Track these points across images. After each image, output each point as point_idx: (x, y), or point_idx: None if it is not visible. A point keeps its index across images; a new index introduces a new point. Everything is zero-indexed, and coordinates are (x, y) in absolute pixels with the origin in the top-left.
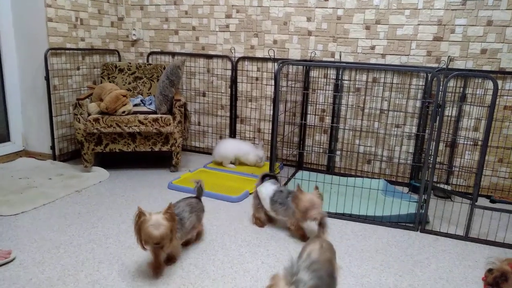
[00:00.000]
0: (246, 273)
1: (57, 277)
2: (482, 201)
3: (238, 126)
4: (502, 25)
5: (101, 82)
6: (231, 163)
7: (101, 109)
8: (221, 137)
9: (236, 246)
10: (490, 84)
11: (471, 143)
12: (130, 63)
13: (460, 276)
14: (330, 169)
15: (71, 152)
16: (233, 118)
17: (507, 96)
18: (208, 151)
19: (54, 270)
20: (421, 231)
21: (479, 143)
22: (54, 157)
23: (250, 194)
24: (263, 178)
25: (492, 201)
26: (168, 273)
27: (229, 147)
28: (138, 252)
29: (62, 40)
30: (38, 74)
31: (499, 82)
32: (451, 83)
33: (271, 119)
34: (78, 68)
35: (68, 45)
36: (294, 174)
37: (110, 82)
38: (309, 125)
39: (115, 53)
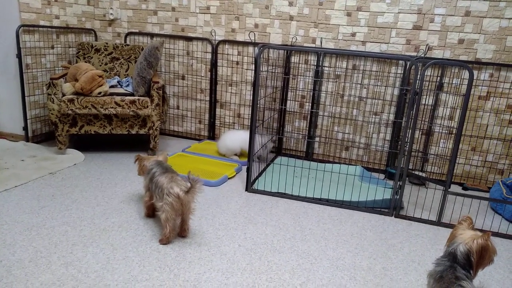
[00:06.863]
0: (223, 256)
1: (29, 259)
2: (455, 188)
3: (217, 110)
4: (479, 15)
5: (77, 62)
6: (235, 154)
7: (76, 90)
8: (200, 122)
9: (214, 229)
10: (466, 74)
11: (446, 131)
12: (107, 43)
13: (432, 259)
14: (308, 155)
15: (45, 134)
16: (213, 102)
17: (482, 86)
18: (187, 136)
19: (26, 252)
20: (395, 216)
21: (454, 131)
22: (27, 139)
23: (228, 178)
24: None
25: (465, 188)
26: (144, 256)
27: (235, 139)
28: (113, 235)
29: (35, 16)
30: (9, 52)
31: (475, 72)
32: (429, 72)
33: (251, 104)
34: (53, 47)
35: (42, 23)
36: (273, 160)
37: (86, 62)
38: (289, 111)
39: (91, 32)
